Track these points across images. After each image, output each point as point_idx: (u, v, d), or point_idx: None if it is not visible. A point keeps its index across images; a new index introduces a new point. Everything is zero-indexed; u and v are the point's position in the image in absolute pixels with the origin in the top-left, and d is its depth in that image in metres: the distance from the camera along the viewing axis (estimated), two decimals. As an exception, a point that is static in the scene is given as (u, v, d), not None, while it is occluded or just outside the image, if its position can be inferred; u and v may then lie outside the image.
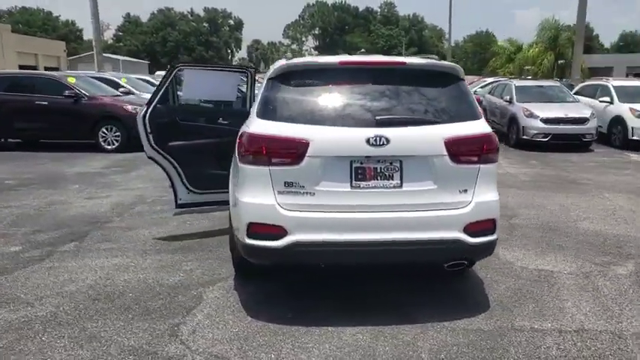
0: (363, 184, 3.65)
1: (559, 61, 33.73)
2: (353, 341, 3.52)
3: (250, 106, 5.83)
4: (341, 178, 3.63)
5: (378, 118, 3.68)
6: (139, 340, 3.51)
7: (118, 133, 12.26)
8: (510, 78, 20.20)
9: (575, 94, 15.86)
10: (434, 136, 3.69)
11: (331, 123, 3.69)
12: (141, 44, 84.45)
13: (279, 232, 3.60)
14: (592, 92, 15.70)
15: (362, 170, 3.65)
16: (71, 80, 12.78)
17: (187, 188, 5.70)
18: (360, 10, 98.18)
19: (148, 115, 5.39)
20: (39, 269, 4.76)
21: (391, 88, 3.88)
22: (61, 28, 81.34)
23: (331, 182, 3.62)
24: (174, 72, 5.65)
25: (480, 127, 3.84)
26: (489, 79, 22.45)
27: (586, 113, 13.45)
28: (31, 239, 5.61)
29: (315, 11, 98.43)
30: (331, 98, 3.85)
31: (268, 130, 3.67)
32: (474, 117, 3.89)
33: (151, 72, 43.75)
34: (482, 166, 3.75)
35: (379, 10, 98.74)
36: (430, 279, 4.60)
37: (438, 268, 4.31)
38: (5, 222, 6.30)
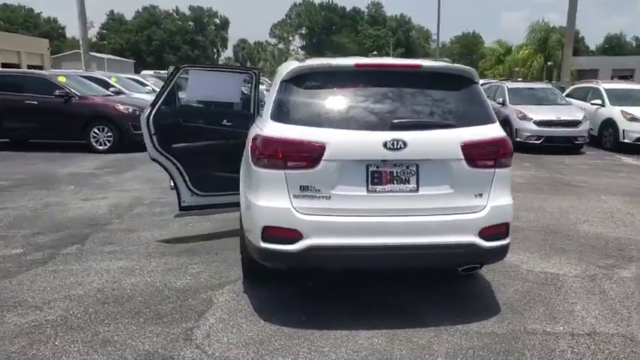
0: (379, 188, 3.64)
1: (548, 63, 34.11)
2: (369, 345, 3.52)
3: (254, 108, 5.84)
4: (357, 182, 3.61)
5: (394, 121, 3.65)
6: (153, 344, 3.47)
7: (110, 134, 12.14)
8: (500, 80, 20.31)
9: (566, 96, 16.02)
10: (450, 139, 3.69)
11: (347, 126, 3.65)
12: (125, 42, 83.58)
13: (294, 235, 3.58)
14: (583, 95, 15.87)
15: (378, 174, 3.63)
16: (62, 79, 12.60)
17: (191, 191, 5.62)
18: (348, 10, 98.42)
19: (152, 116, 5.32)
20: (43, 272, 4.68)
21: (406, 91, 3.87)
22: (42, 26, 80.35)
23: (347, 186, 3.60)
24: (178, 73, 5.55)
25: (495, 131, 3.84)
26: (480, 81, 22.46)
27: (578, 116, 13.60)
28: (31, 242, 5.52)
29: (302, 10, 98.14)
30: (346, 101, 3.82)
31: (284, 134, 3.63)
32: (489, 120, 3.89)
33: (137, 71, 43.26)
34: (497, 170, 3.76)
35: (366, 10, 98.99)
36: (438, 281, 4.61)
37: (446, 270, 4.32)
38: (3, 224, 6.19)
